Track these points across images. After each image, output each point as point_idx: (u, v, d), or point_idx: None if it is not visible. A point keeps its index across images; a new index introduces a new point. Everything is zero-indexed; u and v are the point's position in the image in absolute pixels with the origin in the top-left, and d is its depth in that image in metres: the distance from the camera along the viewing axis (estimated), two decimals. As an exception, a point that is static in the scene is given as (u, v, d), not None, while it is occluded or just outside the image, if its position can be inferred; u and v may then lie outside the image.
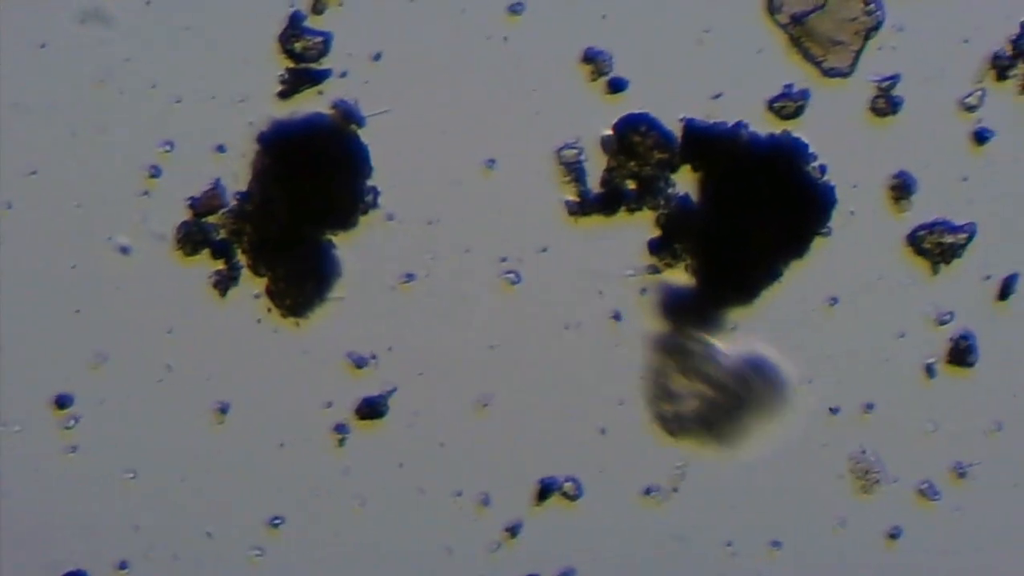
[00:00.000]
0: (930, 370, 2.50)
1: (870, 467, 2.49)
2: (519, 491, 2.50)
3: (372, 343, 2.49)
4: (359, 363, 2.49)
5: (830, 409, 2.50)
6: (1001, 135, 2.48)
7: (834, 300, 2.50)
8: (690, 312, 2.50)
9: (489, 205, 2.47)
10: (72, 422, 2.48)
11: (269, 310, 2.49)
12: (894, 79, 2.47)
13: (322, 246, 2.49)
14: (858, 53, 2.47)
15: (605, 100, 2.47)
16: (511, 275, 2.49)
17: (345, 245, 2.48)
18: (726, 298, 2.49)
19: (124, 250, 2.45)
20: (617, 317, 2.49)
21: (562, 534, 2.51)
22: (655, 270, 2.49)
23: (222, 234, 2.49)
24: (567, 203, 2.48)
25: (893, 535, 2.51)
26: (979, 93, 2.48)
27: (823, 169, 2.47)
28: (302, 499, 2.50)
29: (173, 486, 2.50)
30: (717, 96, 2.46)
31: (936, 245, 2.49)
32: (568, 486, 2.51)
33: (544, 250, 2.48)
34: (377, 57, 2.46)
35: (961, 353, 2.50)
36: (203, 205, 2.49)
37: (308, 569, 2.51)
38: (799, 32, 2.47)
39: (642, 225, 2.49)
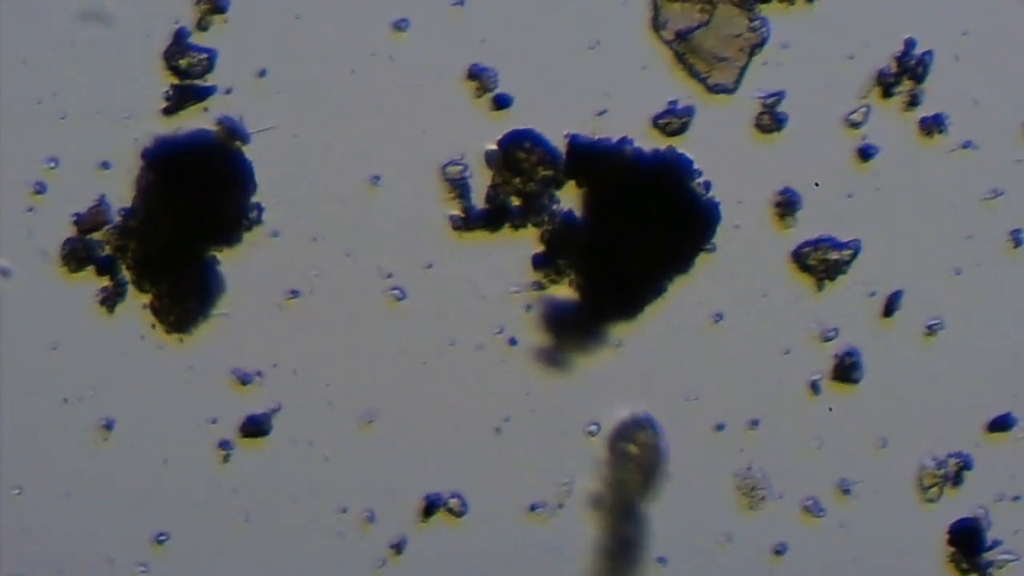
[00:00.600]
0: (815, 386, 2.52)
1: (756, 483, 2.51)
2: (404, 507, 2.52)
3: (257, 360, 2.51)
4: (244, 380, 2.51)
5: (716, 426, 2.51)
6: (886, 151, 2.50)
7: (719, 316, 2.52)
8: (574, 327, 2.52)
9: (374, 221, 2.50)
10: (-44, 439, 2.50)
11: (153, 326, 2.50)
12: (779, 95, 2.50)
13: (206, 262, 2.50)
14: (743, 69, 2.50)
15: (490, 116, 2.49)
16: (396, 291, 2.51)
17: (229, 261, 2.50)
18: (610, 313, 2.51)
19: (4, 272, 2.47)
20: (501, 332, 2.50)
21: (448, 550, 2.52)
22: (539, 286, 2.51)
23: (107, 250, 2.51)
24: (452, 219, 2.51)
25: (779, 551, 2.52)
26: (864, 110, 2.50)
27: (708, 185, 2.49)
28: (187, 515, 2.52)
29: (59, 502, 2.52)
30: (602, 113, 2.49)
31: (821, 261, 2.52)
32: (453, 502, 2.53)
33: (429, 266, 2.50)
34: (262, 74, 2.49)
35: (846, 369, 2.52)
36: (88, 221, 2.51)
37: (192, 585, 2.53)
38: (684, 48, 2.49)
39: (526, 241, 2.50)
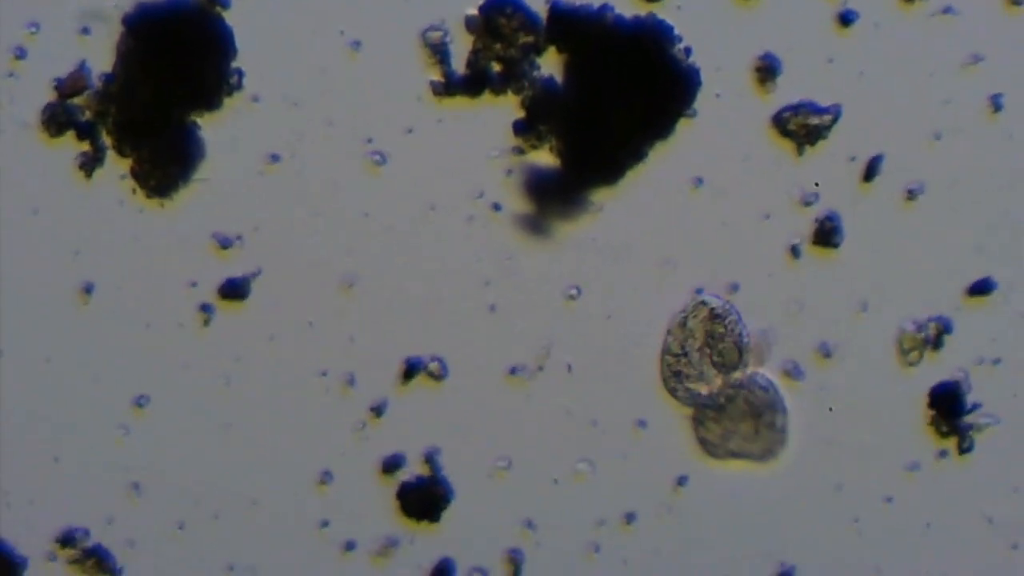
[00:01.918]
0: (795, 251, 2.56)
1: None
2: (384, 371, 2.56)
3: (237, 224, 2.55)
4: (224, 244, 2.55)
5: (695, 289, 2.56)
6: (866, 17, 2.55)
7: (699, 181, 2.56)
8: (555, 193, 2.56)
9: (354, 86, 2.55)
10: (-63, 302, 2.56)
11: (134, 191, 2.54)
12: (759, -40, 2.54)
13: (187, 127, 2.55)
14: (723, -67, 2.54)
15: (471, -19, 2.54)
16: (376, 156, 2.55)
17: (210, 126, 2.54)
18: (591, 179, 2.55)
19: (-15, 128, 2.53)
20: (482, 197, 2.54)
21: (428, 413, 2.57)
22: (520, 151, 2.55)
23: (87, 115, 2.55)
24: (432, 84, 2.55)
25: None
26: (844, -27, 2.55)
27: (688, 51, 2.53)
28: (167, 378, 2.56)
29: (39, 367, 2.56)
30: (582, -23, 2.53)
31: (801, 127, 2.56)
32: (434, 366, 2.57)
33: (409, 131, 2.54)
34: (242, -62, 2.53)
35: (826, 234, 2.56)
36: (68, 87, 2.56)
37: (173, 447, 2.58)
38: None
39: (507, 107, 2.55)
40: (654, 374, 2.66)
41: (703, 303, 2.62)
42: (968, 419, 2.66)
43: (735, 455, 2.64)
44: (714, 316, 2.62)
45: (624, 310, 2.66)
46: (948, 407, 2.65)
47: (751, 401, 2.62)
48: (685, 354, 2.62)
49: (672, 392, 2.63)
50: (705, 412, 2.63)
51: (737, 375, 2.63)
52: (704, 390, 2.62)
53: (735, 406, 2.62)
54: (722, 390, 2.62)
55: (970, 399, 2.65)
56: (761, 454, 2.64)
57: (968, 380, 2.65)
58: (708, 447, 2.64)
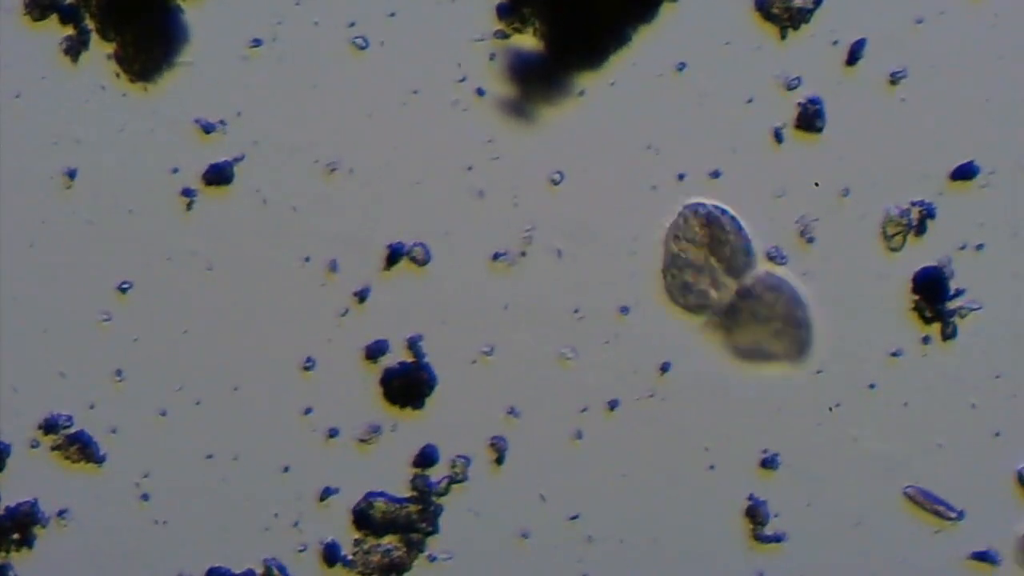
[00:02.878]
0: (778, 135, 2.59)
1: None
2: (367, 256, 2.59)
3: (220, 109, 2.58)
4: (207, 129, 2.58)
5: (678, 175, 2.59)
6: (850, -100, 2.58)
7: (682, 65, 2.59)
8: (538, 77, 2.59)
9: (337, -29, 2.57)
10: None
11: (117, 75, 2.57)
12: None
13: (170, 10, 2.57)
14: None
15: None
16: (359, 40, 2.58)
17: (193, 10, 2.58)
18: (574, 63, 2.58)
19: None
20: (464, 81, 2.57)
21: (410, 299, 2.60)
22: (503, 35, 2.58)
23: None
24: (415, -32, 2.58)
25: (743, 295, 2.60)
26: None
27: (672, -66, 2.56)
28: (150, 264, 2.59)
29: (22, 251, 2.59)
30: None
31: (784, 10, 2.58)
32: (417, 251, 2.60)
33: (392, 15, 2.57)
34: None
35: (809, 118, 2.59)
36: (51, -30, 2.59)
37: (156, 334, 2.61)
38: None
39: (491, -10, 2.59)
40: (638, 260, 2.69)
41: (695, 211, 2.65)
42: (951, 305, 2.69)
43: (764, 357, 2.65)
44: (710, 221, 2.64)
45: (607, 195, 2.69)
46: (931, 292, 2.68)
47: (769, 301, 2.65)
48: (689, 265, 2.65)
49: (684, 306, 2.65)
50: (725, 318, 2.65)
51: (747, 277, 2.65)
52: (716, 297, 2.65)
53: (753, 308, 2.65)
54: (735, 294, 2.64)
55: (953, 284, 2.68)
56: (789, 353, 2.65)
57: (951, 265, 2.68)
58: (738, 353, 2.66)
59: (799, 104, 2.68)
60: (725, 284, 2.65)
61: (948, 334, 2.68)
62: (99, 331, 2.71)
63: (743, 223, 2.66)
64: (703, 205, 2.65)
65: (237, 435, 2.71)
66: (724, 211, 2.65)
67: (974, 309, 2.69)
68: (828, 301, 2.69)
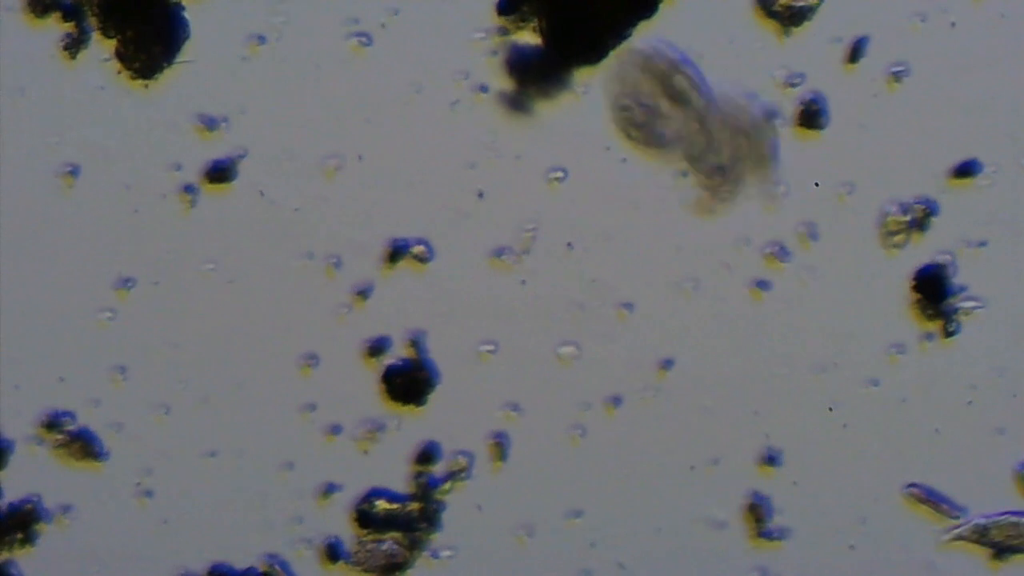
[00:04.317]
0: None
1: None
2: (370, 254, 2.65)
3: (223, 106, 2.64)
4: (209, 125, 2.63)
5: (681, 173, 2.64)
6: None
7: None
8: (539, 72, 2.64)
9: (339, -32, 2.62)
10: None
11: (119, 72, 2.63)
12: None
13: (172, 8, 2.62)
14: None
15: None
16: (362, 37, 2.63)
17: (195, 7, 2.62)
18: (575, 58, 2.63)
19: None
20: (467, 78, 2.63)
21: (413, 296, 2.66)
22: (504, 31, 2.63)
23: (72, -3, 2.65)
24: (417, -35, 2.64)
25: (759, 286, 2.66)
26: None
27: (674, -69, 2.61)
28: (152, 261, 2.65)
29: (24, 247, 2.65)
30: None
31: (786, 8, 2.63)
32: (419, 248, 2.65)
33: (395, 12, 2.62)
34: None
35: (811, 116, 2.64)
36: (53, -32, 2.64)
37: (158, 330, 2.67)
38: None
39: (492, -13, 2.64)
40: (640, 256, 2.75)
41: (637, 53, 2.65)
42: (953, 302, 2.74)
43: (736, 173, 2.65)
44: (648, 61, 2.66)
45: (609, 191, 2.75)
46: (933, 290, 2.74)
47: (726, 119, 2.65)
48: (639, 104, 2.66)
49: (637, 140, 2.66)
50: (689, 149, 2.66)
51: (699, 103, 2.66)
52: (672, 128, 2.66)
53: (714, 129, 2.66)
54: (692, 122, 2.65)
55: (955, 281, 2.74)
56: (760, 163, 2.66)
57: (953, 263, 2.74)
58: (718, 175, 2.66)
59: (800, 102, 2.74)
60: (675, 114, 2.66)
61: (950, 331, 2.74)
62: (102, 328, 2.77)
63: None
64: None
65: (239, 432, 2.77)
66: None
67: (976, 307, 2.75)
68: (830, 299, 2.75)
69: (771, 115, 2.63)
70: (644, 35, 2.72)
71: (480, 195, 2.75)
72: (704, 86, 2.65)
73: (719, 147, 2.66)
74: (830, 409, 2.75)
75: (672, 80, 2.65)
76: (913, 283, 2.75)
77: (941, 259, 2.74)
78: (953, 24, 2.70)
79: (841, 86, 2.74)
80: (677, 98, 2.64)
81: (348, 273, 2.76)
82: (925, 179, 2.74)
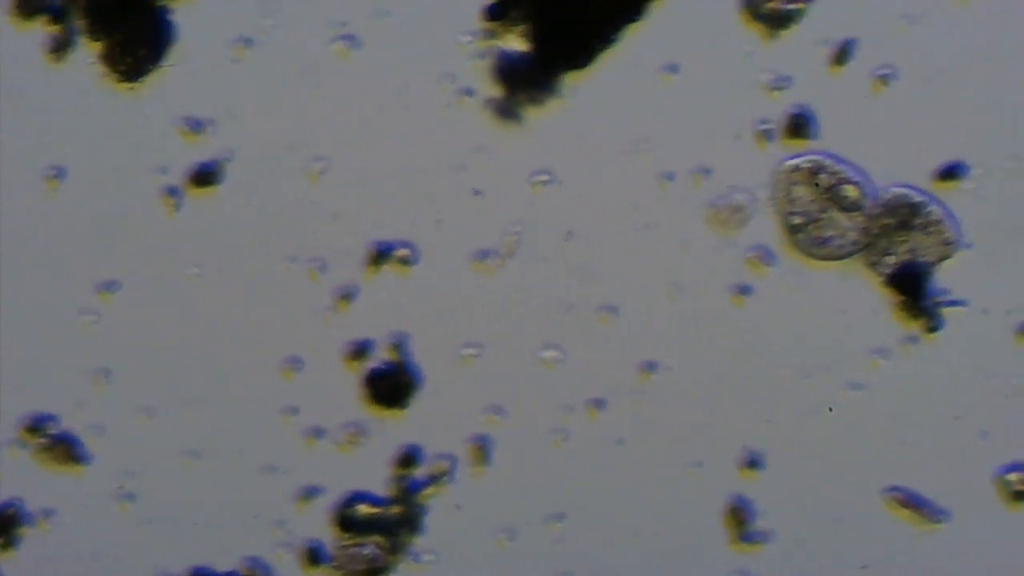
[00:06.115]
0: (767, 135, 2.72)
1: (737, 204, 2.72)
2: (354, 256, 2.72)
3: (208, 108, 2.71)
4: (195, 128, 2.71)
5: (665, 174, 2.72)
6: (837, -100, 2.71)
7: (670, 67, 2.71)
8: (526, 77, 2.72)
9: (325, -30, 2.70)
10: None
11: (105, 75, 2.70)
12: None
13: (157, 11, 2.70)
14: None
15: None
16: (349, 40, 2.71)
17: (181, 9, 2.70)
18: (562, 63, 2.71)
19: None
20: (454, 81, 2.71)
21: (397, 299, 2.73)
22: (492, 35, 2.70)
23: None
24: (403, -32, 2.71)
25: (742, 291, 2.74)
26: None
27: (659, -65, 2.69)
28: (137, 264, 2.73)
29: (8, 249, 2.72)
30: None
31: (773, 11, 2.71)
32: (403, 251, 2.73)
33: (383, 15, 2.70)
34: None
35: (799, 128, 2.72)
36: (39, -31, 2.72)
37: (142, 333, 2.74)
38: None
39: (478, -9, 2.72)
40: (625, 259, 2.83)
41: (796, 168, 2.78)
42: (936, 302, 2.82)
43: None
44: (813, 172, 2.78)
45: (595, 194, 2.83)
46: (912, 287, 2.82)
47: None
48: (814, 219, 2.79)
49: (827, 256, 2.79)
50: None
51: (871, 208, 2.78)
52: (852, 235, 2.78)
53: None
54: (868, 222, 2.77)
55: (940, 283, 2.82)
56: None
57: (917, 248, 2.82)
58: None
59: (789, 114, 2.81)
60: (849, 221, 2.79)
61: (932, 328, 2.82)
62: (86, 330, 2.85)
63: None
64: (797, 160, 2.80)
65: (222, 435, 2.85)
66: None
67: (958, 307, 2.83)
68: (813, 303, 2.83)
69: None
70: (630, 40, 2.80)
71: (477, 192, 2.83)
72: (871, 188, 2.77)
73: (896, 245, 2.80)
74: (830, 409, 2.83)
75: (841, 191, 2.77)
76: (892, 281, 2.83)
77: (920, 257, 2.83)
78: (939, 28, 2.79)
79: (828, 89, 2.82)
80: (849, 207, 2.77)
81: (332, 276, 2.85)
82: (911, 180, 2.82)
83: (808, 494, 2.86)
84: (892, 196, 2.79)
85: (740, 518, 2.87)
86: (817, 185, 2.72)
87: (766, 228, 2.84)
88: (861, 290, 2.84)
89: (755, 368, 2.85)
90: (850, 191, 2.79)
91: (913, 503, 2.85)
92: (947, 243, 2.80)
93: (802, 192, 2.82)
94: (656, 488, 2.87)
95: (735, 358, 2.85)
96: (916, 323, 2.84)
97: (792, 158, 2.83)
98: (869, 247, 2.80)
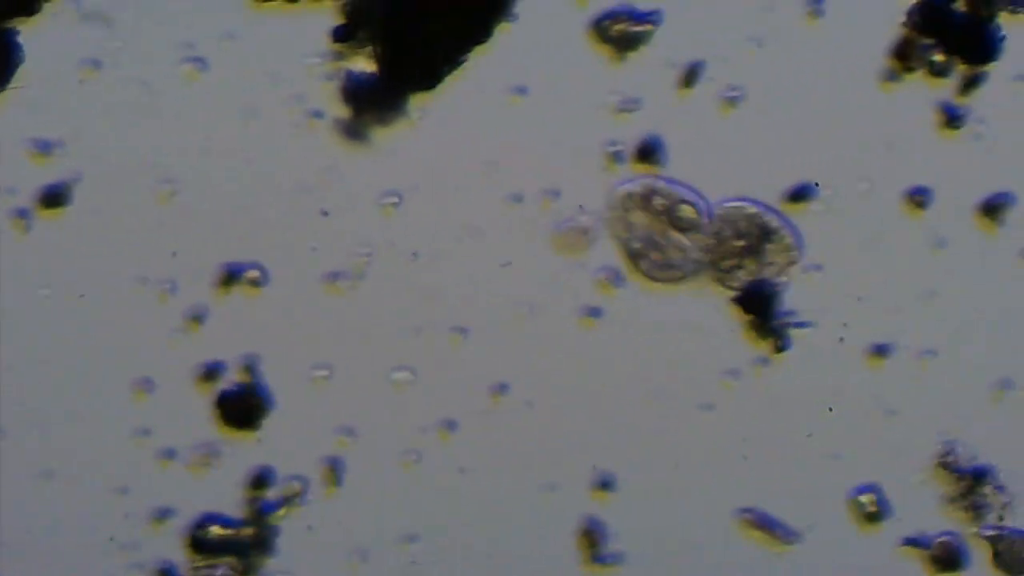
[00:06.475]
0: (617, 157, 2.74)
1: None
2: (204, 277, 2.74)
3: (57, 130, 2.73)
4: (43, 149, 2.72)
5: (513, 196, 2.74)
6: (686, -78, 2.73)
7: (519, 88, 2.73)
8: (374, 99, 2.74)
9: (173, -8, 2.72)
10: None
11: (-47, 97, 2.73)
12: None
13: (4, 33, 2.71)
14: None
15: None
16: (196, 62, 2.72)
17: (28, 32, 2.71)
18: (410, 84, 2.73)
19: None
20: (301, 103, 2.72)
21: (247, 321, 2.75)
22: (340, 57, 2.72)
23: (-94, 21, 2.73)
24: (251, -11, 2.73)
25: (591, 313, 2.75)
26: None
27: (508, -44, 2.71)
28: (-15, 285, 2.75)
29: None
30: None
31: (621, 33, 2.73)
32: (253, 273, 2.74)
33: (230, 37, 2.71)
34: None
35: (648, 152, 2.73)
36: None
37: (-9, 356, 2.77)
38: None
39: (326, 12, 2.72)
40: (475, 281, 2.85)
41: (629, 194, 2.80)
42: (784, 322, 2.84)
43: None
44: (647, 197, 2.80)
45: (444, 217, 2.85)
46: (760, 307, 2.84)
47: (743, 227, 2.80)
48: (654, 244, 2.81)
49: (671, 279, 2.81)
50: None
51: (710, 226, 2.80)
52: (694, 255, 2.80)
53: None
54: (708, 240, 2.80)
55: (789, 304, 2.84)
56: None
57: (786, 284, 2.84)
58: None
59: (638, 140, 2.83)
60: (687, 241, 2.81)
61: (780, 348, 2.84)
62: (-67, 355, 2.87)
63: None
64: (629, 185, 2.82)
65: (73, 456, 2.87)
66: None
67: (806, 327, 2.85)
68: (663, 324, 2.85)
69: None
70: (478, 61, 2.82)
71: (326, 214, 2.85)
72: (708, 207, 2.79)
73: (742, 263, 2.81)
74: (830, 409, 2.85)
75: (677, 212, 2.79)
76: (740, 301, 2.84)
77: (768, 277, 2.84)
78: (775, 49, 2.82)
79: (676, 111, 2.84)
80: (687, 227, 2.79)
81: (182, 298, 2.86)
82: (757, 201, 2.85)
83: (661, 515, 2.88)
84: (729, 213, 2.81)
85: (593, 540, 2.89)
86: (654, 208, 2.74)
87: (614, 250, 2.86)
88: (711, 311, 2.86)
89: (606, 389, 2.87)
90: (686, 211, 2.81)
91: (765, 525, 2.87)
92: (792, 262, 2.83)
93: (638, 218, 2.83)
94: (509, 510, 2.88)
95: (586, 380, 2.87)
96: (765, 343, 2.86)
97: (623, 184, 2.84)
98: (713, 266, 2.82)
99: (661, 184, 2.83)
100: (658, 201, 2.83)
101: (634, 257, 2.84)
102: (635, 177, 2.84)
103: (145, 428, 2.87)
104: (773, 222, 2.80)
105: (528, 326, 2.87)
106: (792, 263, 2.80)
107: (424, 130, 2.84)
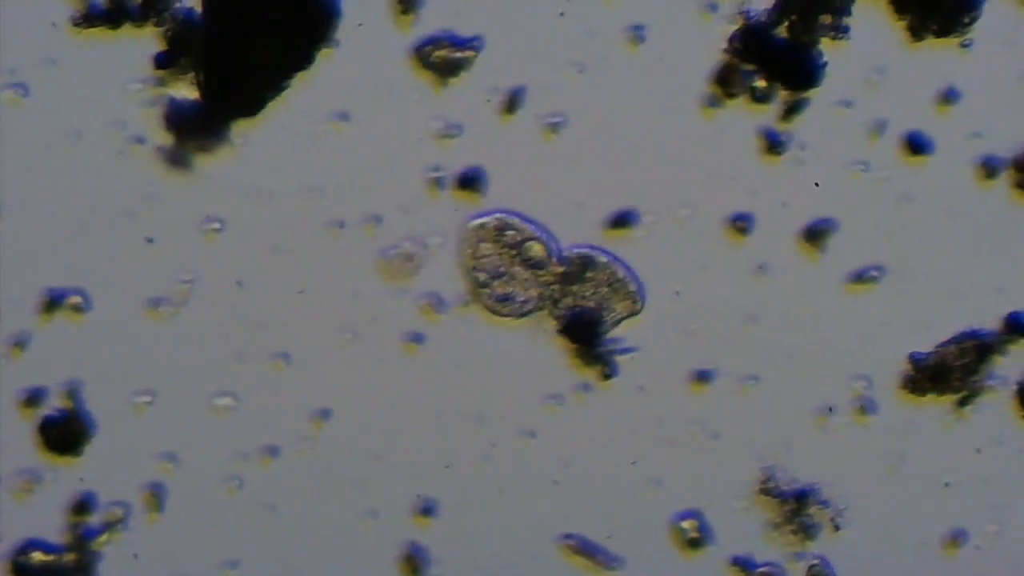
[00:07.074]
0: (439, 183, 2.77)
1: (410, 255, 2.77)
2: (26, 304, 2.76)
3: None
4: None
5: (337, 222, 2.76)
6: (508, -52, 2.75)
7: (341, 115, 2.76)
8: (196, 125, 2.76)
9: (-4, 18, 2.74)
10: None
11: None
12: None
13: None
14: None
15: (111, -88, 2.73)
16: (19, 88, 2.74)
17: None
18: (232, 110, 2.75)
19: None
20: (124, 129, 2.75)
21: (69, 347, 2.77)
22: (161, 83, 2.74)
23: None
24: (72, 16, 2.74)
25: (415, 339, 2.77)
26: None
27: (329, -19, 2.74)
28: None
29: None
30: (223, -92, 2.73)
31: (442, 59, 2.75)
32: (75, 299, 2.76)
33: (52, 63, 2.74)
34: None
35: (469, 181, 2.76)
36: None
37: None
38: None
39: (148, 39, 2.74)
40: (299, 306, 2.87)
41: (482, 225, 2.83)
42: (609, 349, 2.87)
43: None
44: (498, 231, 2.83)
45: (266, 243, 2.87)
46: (584, 335, 2.86)
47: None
48: (499, 275, 2.84)
49: (507, 314, 2.84)
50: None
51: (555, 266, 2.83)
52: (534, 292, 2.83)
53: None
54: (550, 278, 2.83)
55: (606, 326, 2.87)
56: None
57: (604, 306, 2.86)
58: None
59: (461, 170, 2.86)
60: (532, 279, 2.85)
61: (607, 375, 2.87)
62: None
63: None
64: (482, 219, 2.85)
65: None
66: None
67: (630, 353, 2.87)
68: (487, 350, 2.88)
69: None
70: (300, 87, 2.85)
71: (149, 240, 2.87)
72: (556, 247, 2.83)
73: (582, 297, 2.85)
74: (830, 409, 2.88)
75: (526, 249, 2.83)
76: (565, 329, 2.87)
77: (591, 303, 2.87)
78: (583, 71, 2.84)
79: (498, 137, 2.87)
80: (534, 264, 2.83)
81: (4, 324, 2.88)
82: (583, 228, 2.87)
83: (483, 541, 2.90)
84: (577, 256, 2.85)
85: (415, 566, 2.91)
86: (504, 242, 2.78)
87: (439, 276, 2.89)
88: (536, 338, 2.89)
89: (429, 416, 2.90)
90: (535, 249, 2.85)
91: (587, 550, 2.90)
92: (632, 300, 2.85)
93: (488, 249, 2.86)
94: (331, 535, 2.91)
95: (409, 406, 2.90)
96: (590, 370, 2.88)
97: (478, 216, 2.88)
98: (552, 304, 2.85)
99: (515, 219, 2.86)
100: (510, 235, 2.86)
101: (476, 287, 2.86)
102: (490, 210, 2.86)
103: (-33, 454, 2.90)
104: (616, 269, 2.83)
105: (351, 352, 2.89)
106: (634, 309, 2.84)
107: (246, 156, 2.86)
